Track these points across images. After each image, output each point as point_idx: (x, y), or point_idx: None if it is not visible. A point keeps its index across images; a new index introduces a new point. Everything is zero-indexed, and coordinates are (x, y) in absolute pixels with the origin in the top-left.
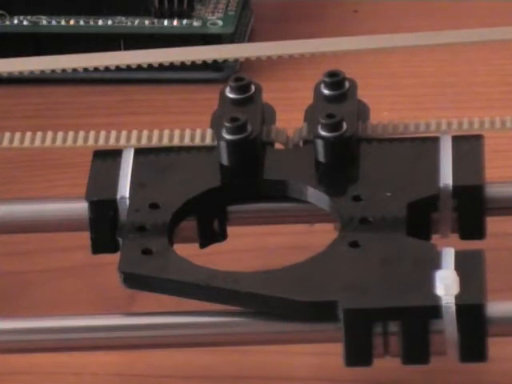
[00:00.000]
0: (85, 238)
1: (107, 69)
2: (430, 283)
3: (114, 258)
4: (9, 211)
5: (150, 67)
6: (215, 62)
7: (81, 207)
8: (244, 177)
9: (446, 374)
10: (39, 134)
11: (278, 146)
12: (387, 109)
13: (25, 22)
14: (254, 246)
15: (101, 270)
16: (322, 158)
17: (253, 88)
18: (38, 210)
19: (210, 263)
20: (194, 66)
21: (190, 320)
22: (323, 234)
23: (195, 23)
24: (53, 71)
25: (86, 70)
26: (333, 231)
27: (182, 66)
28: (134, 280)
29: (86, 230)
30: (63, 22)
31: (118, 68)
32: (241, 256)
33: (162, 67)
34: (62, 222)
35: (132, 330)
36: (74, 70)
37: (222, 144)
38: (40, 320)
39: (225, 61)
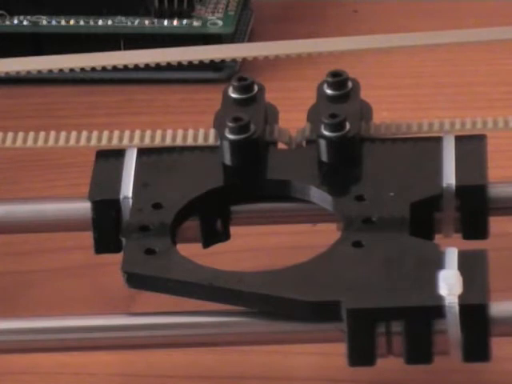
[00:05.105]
0: (85, 237)
1: (107, 69)
2: (433, 283)
3: (113, 258)
4: (9, 211)
5: (150, 67)
6: (215, 62)
7: (83, 207)
8: (247, 177)
9: (447, 374)
10: (42, 134)
11: (280, 145)
12: (387, 109)
13: (25, 22)
14: (256, 245)
15: (101, 270)
16: (324, 157)
17: (255, 88)
18: (39, 210)
19: (211, 263)
20: (193, 66)
21: (190, 320)
22: (325, 234)
23: (195, 23)
24: (52, 71)
25: (85, 69)
26: (335, 231)
27: (182, 66)
28: (137, 280)
29: (89, 229)
30: (63, 22)
31: (118, 68)
32: (243, 256)
33: (161, 67)
34: (64, 222)
35: (132, 330)
36: (74, 69)
37: (225, 144)
38: (40, 320)
39: (223, 61)
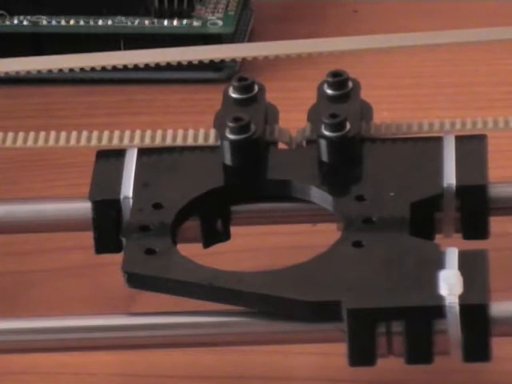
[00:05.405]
0: (85, 237)
1: (107, 69)
2: (433, 283)
3: (113, 258)
4: (9, 211)
5: (150, 67)
6: (215, 62)
7: (83, 207)
8: (247, 177)
9: (447, 374)
10: (42, 134)
11: (281, 145)
12: (387, 109)
13: (25, 22)
14: (256, 245)
15: (100, 270)
16: (325, 157)
17: (256, 88)
18: (39, 210)
19: (211, 263)
20: (193, 66)
21: (190, 320)
22: (325, 234)
23: (195, 23)
24: (52, 71)
25: (85, 69)
26: (335, 231)
27: (182, 66)
28: (137, 280)
29: (89, 229)
30: (63, 22)
31: (118, 68)
32: (243, 256)
33: (161, 67)
34: (64, 222)
35: (132, 330)
36: (74, 69)
37: (226, 144)
38: (40, 320)
39: (223, 61)
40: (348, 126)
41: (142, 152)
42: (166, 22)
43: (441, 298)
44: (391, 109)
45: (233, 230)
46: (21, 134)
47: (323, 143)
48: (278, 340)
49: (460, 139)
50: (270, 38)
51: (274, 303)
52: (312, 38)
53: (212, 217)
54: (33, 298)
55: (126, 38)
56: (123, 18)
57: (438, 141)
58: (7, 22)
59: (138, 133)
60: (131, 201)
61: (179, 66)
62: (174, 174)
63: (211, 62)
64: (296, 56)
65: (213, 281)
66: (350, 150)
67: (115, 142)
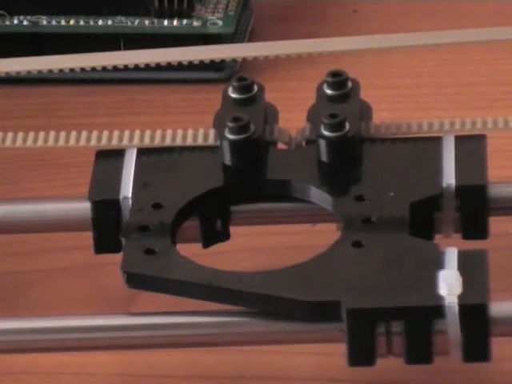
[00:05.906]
0: (85, 238)
1: (107, 69)
2: (433, 283)
3: (113, 258)
4: (9, 211)
5: (150, 67)
6: (215, 62)
7: (83, 207)
8: (247, 177)
9: (447, 374)
10: (42, 134)
11: (280, 145)
12: (387, 109)
13: (25, 22)
14: (256, 245)
15: (100, 270)
16: (324, 157)
17: (255, 88)
18: (39, 210)
19: (211, 263)
20: (193, 66)
21: (190, 320)
22: (325, 234)
23: (195, 23)
24: (52, 71)
25: (85, 69)
26: (335, 231)
27: (182, 66)
28: (136, 280)
29: (88, 229)
30: (63, 22)
31: (118, 68)
32: (243, 256)
33: (161, 67)
34: (64, 222)
35: (132, 330)
36: (74, 69)
37: (225, 144)
38: (40, 320)
39: (223, 61)
40: (347, 126)
41: (142, 152)
42: (166, 22)
43: (440, 297)
44: (391, 109)
45: (233, 230)
46: (20, 134)
47: (323, 143)
48: (278, 340)
49: (459, 139)
50: (270, 38)
51: (274, 303)
52: (312, 37)
53: (212, 217)
54: (33, 298)
55: (126, 38)
56: (123, 18)
57: (437, 141)
58: (7, 22)
59: (137, 133)
60: (131, 201)
61: (179, 66)
62: (174, 174)
63: (211, 61)
64: (296, 56)
65: (213, 281)
66: (349, 150)
67: (114, 142)
